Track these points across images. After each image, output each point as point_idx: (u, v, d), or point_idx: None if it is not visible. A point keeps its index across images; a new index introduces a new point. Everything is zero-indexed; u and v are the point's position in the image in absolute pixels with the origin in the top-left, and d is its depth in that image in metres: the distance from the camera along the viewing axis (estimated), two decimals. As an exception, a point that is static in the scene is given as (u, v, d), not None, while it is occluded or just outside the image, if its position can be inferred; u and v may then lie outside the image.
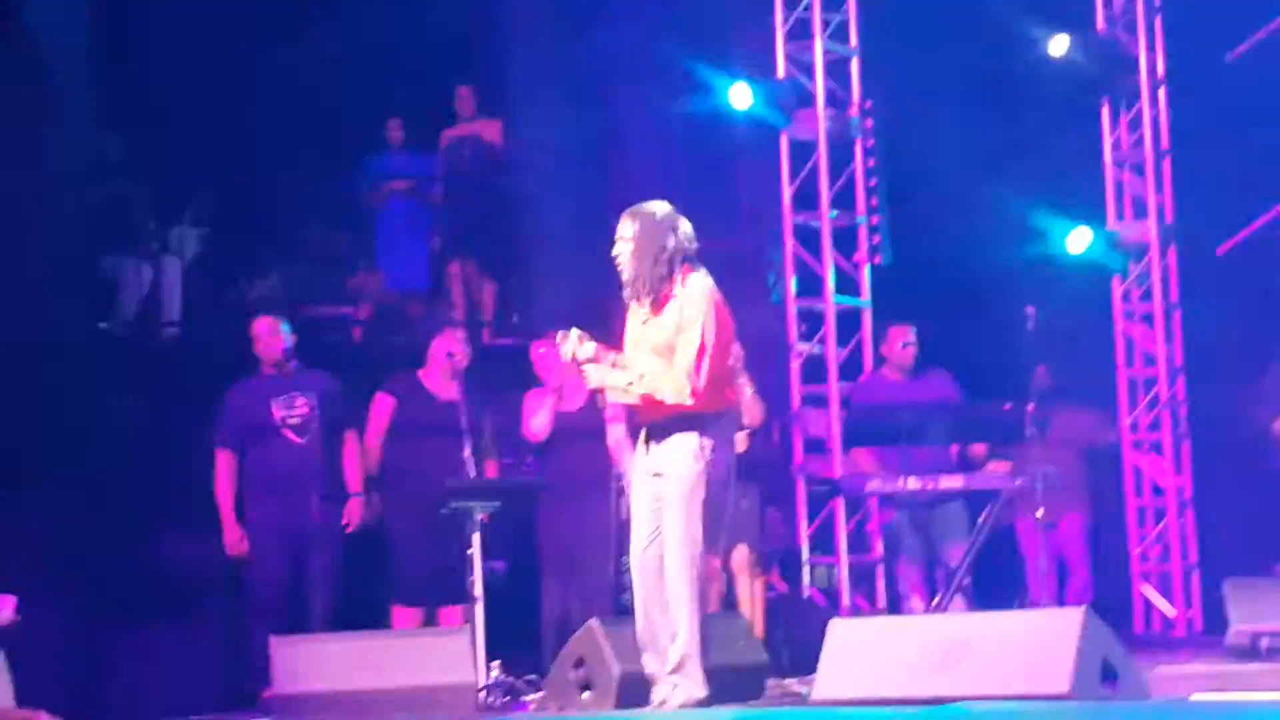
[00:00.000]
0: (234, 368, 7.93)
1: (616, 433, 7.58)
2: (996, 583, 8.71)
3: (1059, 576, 9.51)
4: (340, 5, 10.74)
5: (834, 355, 9.51)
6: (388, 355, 9.03)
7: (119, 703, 7.17)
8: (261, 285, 10.17)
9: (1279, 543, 8.52)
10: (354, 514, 7.68)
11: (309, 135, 10.30)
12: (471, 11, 10.58)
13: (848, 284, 9.71)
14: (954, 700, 5.11)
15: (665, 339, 5.85)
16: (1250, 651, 7.42)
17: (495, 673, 6.63)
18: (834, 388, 9.43)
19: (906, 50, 9.86)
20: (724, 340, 5.90)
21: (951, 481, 7.82)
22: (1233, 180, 10.09)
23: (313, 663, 6.56)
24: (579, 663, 6.25)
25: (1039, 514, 7.71)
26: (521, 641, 7.45)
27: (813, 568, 9.34)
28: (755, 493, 7.79)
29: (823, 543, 9.37)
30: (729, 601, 7.64)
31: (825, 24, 9.63)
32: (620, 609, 6.54)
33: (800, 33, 9.65)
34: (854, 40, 9.72)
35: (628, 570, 5.96)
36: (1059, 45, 10.00)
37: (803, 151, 9.66)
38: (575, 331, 5.95)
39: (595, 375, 5.96)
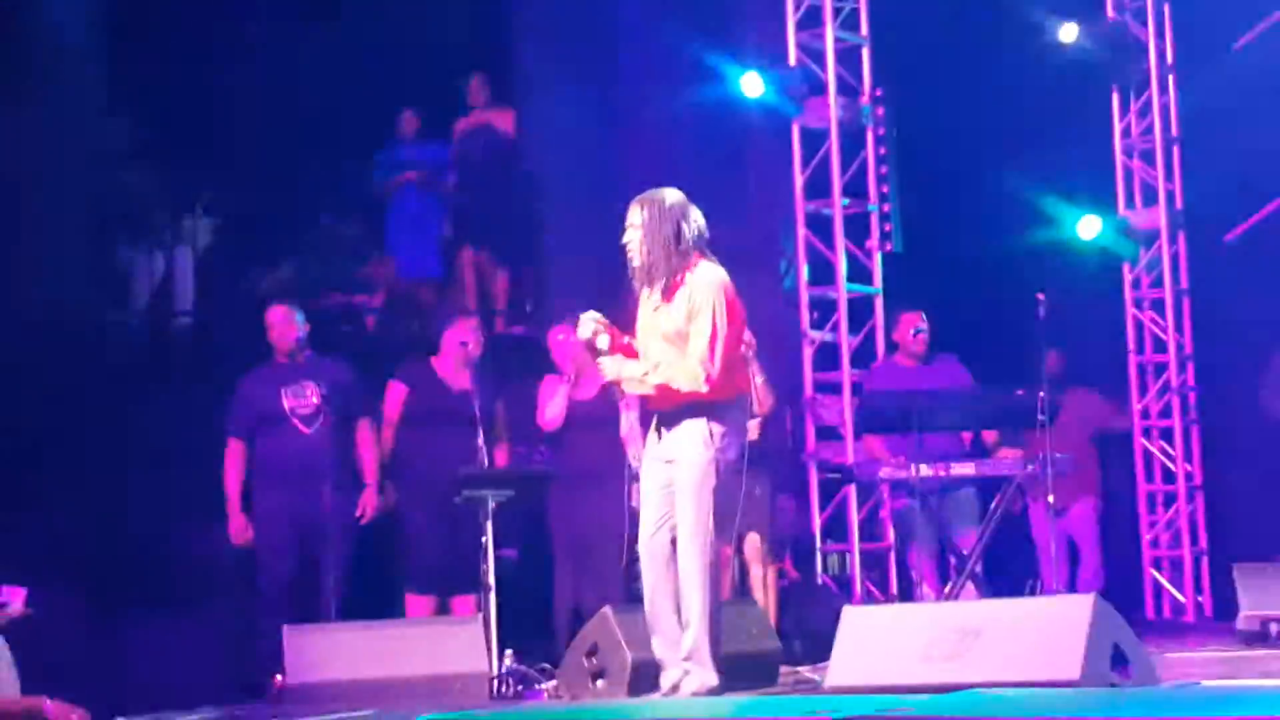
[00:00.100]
0: (246, 357, 7.94)
1: (629, 421, 7.59)
2: (1008, 569, 8.73)
3: (1070, 562, 9.53)
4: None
5: (846, 342, 9.52)
6: (400, 344, 9.06)
7: (129, 693, 7.17)
8: (274, 275, 10.18)
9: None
10: (368, 504, 7.70)
11: (322, 125, 10.32)
12: (485, 2, 10.58)
13: (859, 271, 9.72)
14: (966, 687, 5.12)
15: (676, 326, 5.86)
16: (1260, 637, 7.44)
17: (508, 661, 6.65)
18: (846, 375, 9.44)
19: (917, 38, 9.87)
20: (735, 327, 5.91)
21: (963, 468, 7.82)
22: (1241, 167, 10.09)
23: (325, 652, 6.57)
24: (592, 651, 6.27)
25: (1050, 500, 7.72)
26: (535, 630, 7.46)
27: (825, 555, 9.36)
28: (767, 480, 7.79)
29: (835, 530, 9.39)
30: (742, 589, 7.66)
31: (836, 12, 9.63)
32: (633, 597, 6.55)
33: (811, 21, 9.65)
34: (865, 28, 9.73)
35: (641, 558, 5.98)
36: (1069, 33, 10.00)
37: (814, 140, 9.66)
38: (592, 314, 5.97)
39: (611, 367, 5.99)
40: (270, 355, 7.81)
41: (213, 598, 8.00)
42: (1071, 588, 9.00)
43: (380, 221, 11.13)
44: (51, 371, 7.97)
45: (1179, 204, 10.42)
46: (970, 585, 7.73)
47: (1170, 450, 10.32)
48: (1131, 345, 10.46)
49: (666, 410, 5.90)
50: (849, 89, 9.70)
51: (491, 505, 6.78)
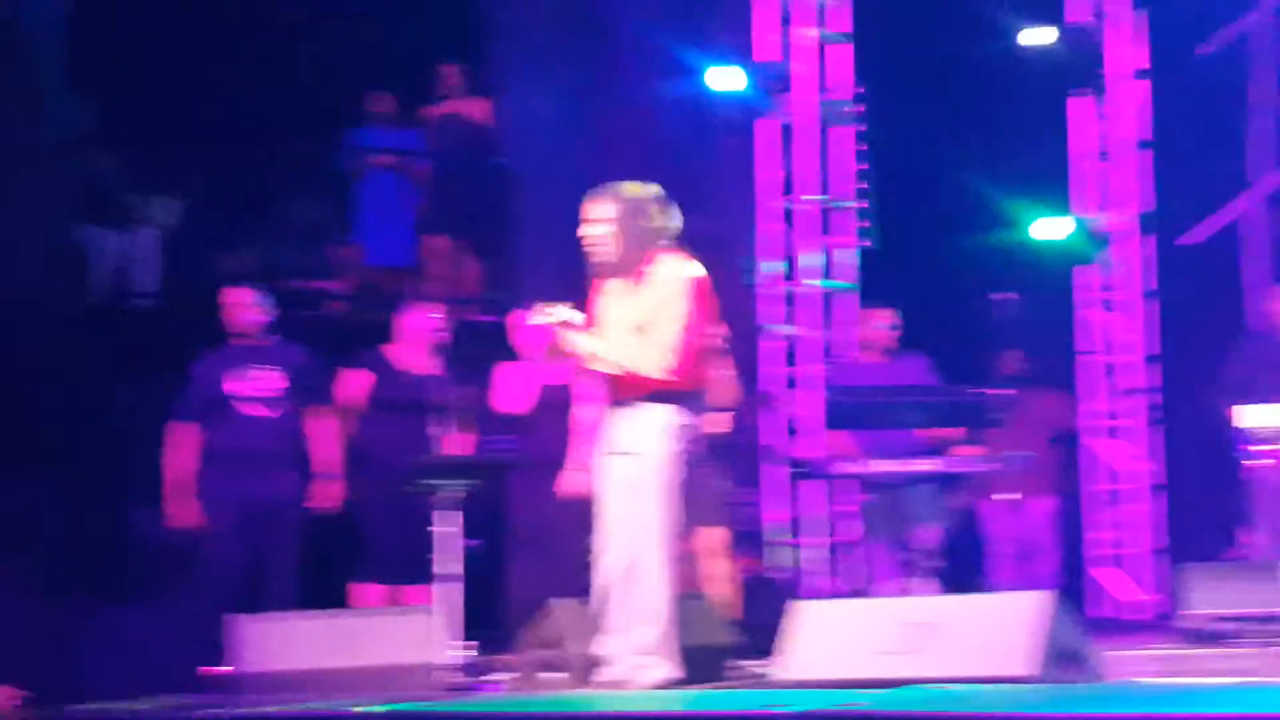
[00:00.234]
0: (210, 341, 7.89)
1: (588, 412, 7.60)
2: (965, 566, 8.77)
3: (1026, 560, 9.58)
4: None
5: (813, 338, 9.55)
6: (368, 330, 9.02)
7: (81, 681, 7.14)
8: (240, 257, 10.14)
9: (1238, 528, 8.60)
10: (327, 492, 7.67)
11: (293, 107, 10.27)
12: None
13: (829, 267, 9.76)
14: (918, 682, 5.15)
15: (643, 317, 5.87)
16: (1208, 635, 7.51)
17: (466, 652, 6.64)
18: (812, 370, 9.48)
19: (886, 37, 9.90)
20: (701, 319, 5.92)
21: (924, 464, 7.86)
22: (1204, 171, 10.16)
23: (275, 641, 6.55)
24: (546, 643, 6.27)
25: (1008, 498, 7.77)
26: (495, 621, 7.46)
27: (784, 549, 9.38)
28: (729, 474, 7.81)
29: (795, 524, 9.41)
30: (699, 583, 7.67)
31: (809, 8, 9.66)
32: (589, 589, 6.56)
33: (784, 16, 9.68)
34: (837, 25, 9.76)
35: (596, 550, 5.98)
36: (1035, 35, 10.06)
37: (785, 135, 9.69)
38: (562, 308, 5.97)
39: (575, 339, 5.96)
40: (230, 338, 7.76)
41: (167, 586, 7.95)
42: (1027, 586, 9.05)
43: (351, 207, 11.09)
44: (8, 354, 7.90)
45: (1143, 206, 10.47)
46: (928, 581, 7.77)
47: (1128, 450, 10.38)
48: (1094, 345, 10.51)
49: (627, 402, 5.90)
50: (821, 85, 9.73)
51: (449, 494, 6.77)
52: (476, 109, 10.78)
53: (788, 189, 9.77)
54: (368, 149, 10.99)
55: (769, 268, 9.82)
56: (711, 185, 10.17)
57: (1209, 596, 7.63)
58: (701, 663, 6.17)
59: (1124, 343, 10.42)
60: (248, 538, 7.47)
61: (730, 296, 9.42)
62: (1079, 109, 10.55)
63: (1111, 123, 10.50)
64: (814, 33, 9.79)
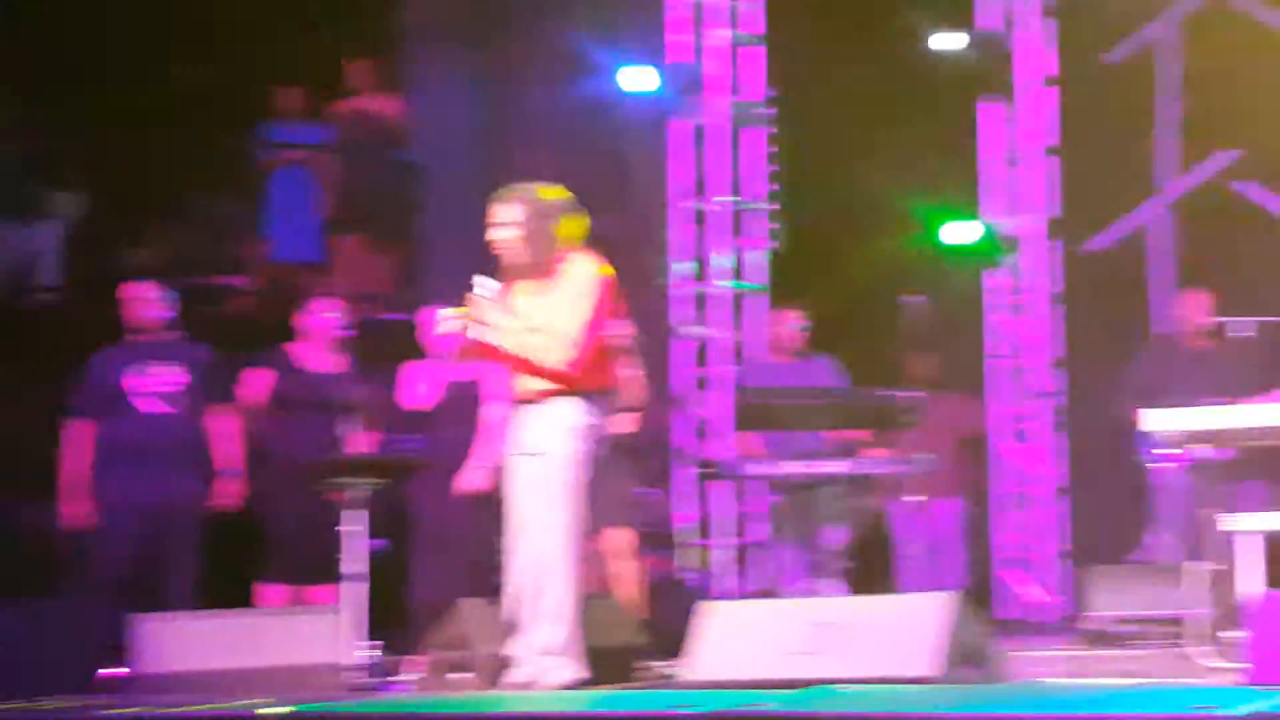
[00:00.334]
0: (113, 336, 7.77)
1: (494, 412, 7.56)
2: (873, 567, 8.81)
3: (934, 561, 9.64)
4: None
5: (723, 338, 9.57)
6: (274, 327, 8.92)
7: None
8: (144, 252, 10.01)
9: (1141, 531, 8.70)
10: (227, 490, 7.56)
11: (202, 101, 10.15)
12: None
13: (739, 268, 9.78)
14: (824, 683, 5.16)
15: (548, 316, 5.85)
16: (1108, 637, 7.61)
17: (371, 652, 6.59)
18: (719, 371, 9.49)
19: (798, 39, 9.93)
20: (609, 318, 5.92)
21: (832, 466, 7.89)
22: (1110, 178, 10.27)
23: (176, 641, 6.46)
24: (452, 643, 6.23)
25: (916, 499, 7.81)
26: (399, 621, 7.40)
27: (693, 550, 9.38)
28: (638, 474, 7.80)
29: (703, 525, 9.42)
30: (606, 584, 7.65)
31: (721, 10, 9.68)
32: (496, 589, 6.53)
33: (697, 17, 9.70)
34: (750, 27, 9.78)
35: (503, 550, 5.95)
36: (943, 40, 10.13)
37: (697, 136, 9.71)
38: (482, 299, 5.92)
39: (487, 311, 5.90)
40: (129, 333, 7.64)
41: (61, 585, 7.82)
42: (933, 587, 9.11)
43: (260, 202, 10.98)
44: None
45: (1050, 211, 10.57)
46: (834, 582, 7.80)
47: (1035, 453, 10.47)
48: (1000, 349, 10.59)
49: (534, 401, 5.88)
50: (732, 86, 9.75)
51: (357, 493, 6.72)
52: (386, 105, 10.71)
53: (699, 190, 9.78)
54: (277, 144, 10.89)
55: (680, 269, 9.83)
56: (623, 186, 10.17)
57: (1112, 598, 7.73)
58: (609, 663, 6.15)
59: (1031, 346, 10.51)
60: (145, 536, 7.36)
61: (641, 297, 9.43)
62: (988, 114, 10.63)
63: (1020, 128, 10.59)
64: (726, 34, 9.81)
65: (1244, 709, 3.90)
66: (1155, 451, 6.79)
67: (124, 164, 10.13)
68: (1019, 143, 10.57)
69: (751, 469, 8.07)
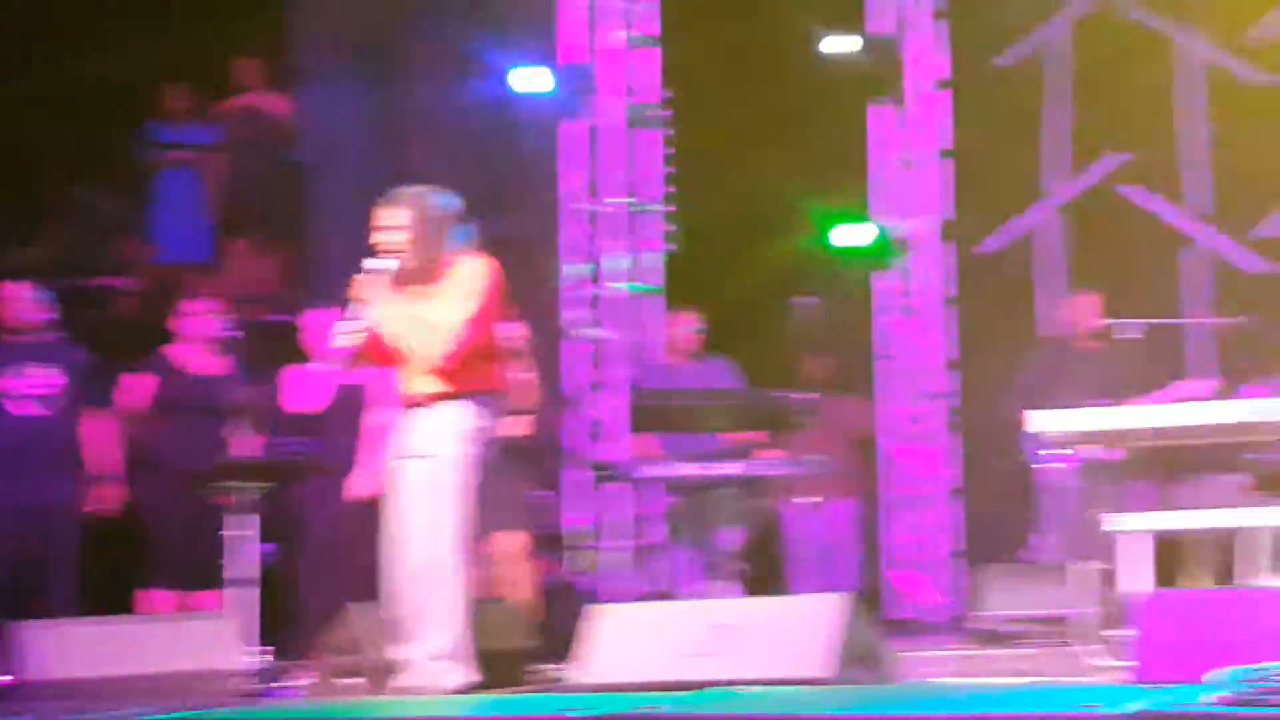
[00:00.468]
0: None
1: (381, 415, 7.51)
2: (768, 568, 8.83)
3: (827, 562, 9.68)
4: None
5: (618, 340, 9.56)
6: (160, 329, 8.79)
7: None
8: (24, 251, 9.83)
9: (1029, 531, 8.79)
10: (103, 495, 7.42)
11: (87, 98, 10.00)
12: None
13: (631, 270, 9.77)
14: (718, 684, 5.16)
15: (434, 314, 5.82)
16: (998, 636, 7.68)
17: (260, 657, 6.51)
18: (613, 373, 9.48)
19: (694, 40, 9.94)
20: (496, 318, 5.89)
21: (725, 468, 7.89)
22: (1001, 180, 10.37)
23: (58, 648, 6.34)
24: (342, 648, 6.17)
25: (810, 501, 7.84)
26: (288, 626, 7.32)
27: (585, 552, 9.36)
28: (530, 477, 7.77)
29: (598, 527, 9.40)
30: (498, 587, 7.61)
31: (616, 11, 9.67)
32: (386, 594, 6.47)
33: (590, 18, 9.67)
34: (644, 27, 9.78)
35: (390, 554, 5.90)
36: (835, 43, 10.18)
37: (590, 137, 9.69)
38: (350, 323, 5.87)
39: (374, 292, 5.85)
40: (5, 334, 7.49)
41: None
42: (827, 587, 9.14)
43: (144, 201, 10.82)
44: None
45: (943, 214, 10.65)
46: (729, 583, 7.80)
47: (928, 454, 10.54)
48: (894, 350, 10.66)
49: (422, 403, 5.84)
50: (628, 88, 9.74)
51: (243, 497, 6.63)
52: (274, 104, 10.59)
53: (593, 191, 9.75)
54: (163, 144, 10.74)
55: (574, 270, 9.80)
56: (516, 187, 10.13)
57: (1002, 598, 7.80)
58: (501, 667, 6.12)
59: (923, 348, 10.59)
60: (21, 541, 7.22)
61: (535, 299, 9.40)
62: (879, 117, 10.70)
63: (912, 131, 10.67)
64: (621, 35, 9.79)
65: (1130, 707, 3.94)
66: (1043, 452, 6.85)
67: (8, 163, 9.95)
68: (911, 145, 10.65)
69: (646, 471, 8.06)
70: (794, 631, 5.40)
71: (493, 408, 5.89)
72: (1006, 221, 10.49)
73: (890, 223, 10.64)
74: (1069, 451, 6.74)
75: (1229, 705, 3.83)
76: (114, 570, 7.50)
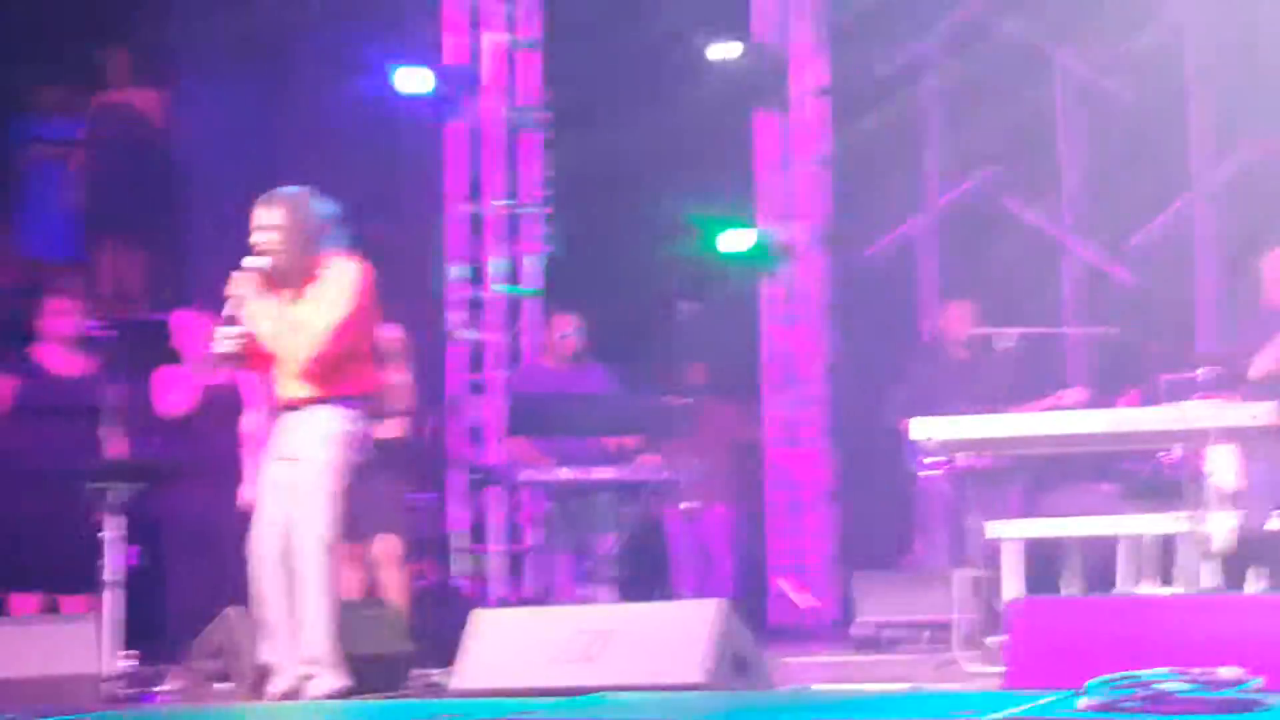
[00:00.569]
0: None
1: (253, 420, 7.42)
2: (644, 573, 8.82)
3: (704, 568, 9.70)
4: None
5: (495, 343, 9.51)
6: (22, 330, 8.60)
7: None
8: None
9: (909, 537, 8.86)
10: None
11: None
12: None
13: (512, 272, 9.73)
14: (593, 690, 5.14)
15: (306, 316, 5.75)
16: (874, 642, 7.73)
17: (126, 662, 6.39)
18: (494, 375, 9.44)
19: (577, 44, 9.92)
20: (368, 320, 5.84)
21: (602, 472, 7.88)
22: (882, 188, 10.45)
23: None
24: (215, 652, 6.07)
25: (685, 506, 7.84)
26: (158, 629, 7.19)
27: (464, 556, 9.31)
28: (405, 480, 7.70)
29: (475, 531, 9.35)
30: (374, 591, 7.54)
31: (498, 13, 9.63)
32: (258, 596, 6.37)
33: (473, 20, 9.63)
34: (527, 31, 9.75)
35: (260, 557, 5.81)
36: (720, 50, 10.22)
37: (472, 139, 9.64)
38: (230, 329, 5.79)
39: (247, 297, 5.79)
40: None
41: None
42: (703, 593, 9.15)
43: (10, 196, 10.58)
44: None
45: (820, 221, 10.72)
46: (606, 588, 7.79)
47: (804, 460, 10.61)
48: (771, 357, 10.71)
49: (294, 405, 5.77)
50: (508, 90, 9.70)
51: (111, 499, 6.50)
52: (144, 100, 10.40)
53: (475, 194, 9.70)
54: (29, 138, 10.52)
55: (455, 273, 9.74)
56: (397, 189, 10.05)
57: (881, 604, 7.85)
58: (377, 671, 6.06)
59: (804, 354, 10.65)
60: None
61: (415, 301, 9.33)
62: (764, 123, 10.75)
63: (794, 138, 10.73)
64: (503, 37, 9.75)
65: (998, 714, 3.97)
66: (922, 459, 6.90)
67: None
68: (793, 152, 10.71)
69: (524, 475, 8.03)
70: (670, 637, 5.39)
71: (366, 411, 5.84)
72: (886, 229, 10.58)
73: (773, 228, 10.70)
74: (945, 459, 6.80)
75: (1102, 712, 3.86)
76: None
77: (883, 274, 10.56)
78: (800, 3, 10.66)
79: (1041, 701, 4.13)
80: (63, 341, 7.38)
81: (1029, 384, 8.24)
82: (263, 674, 5.86)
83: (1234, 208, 9.73)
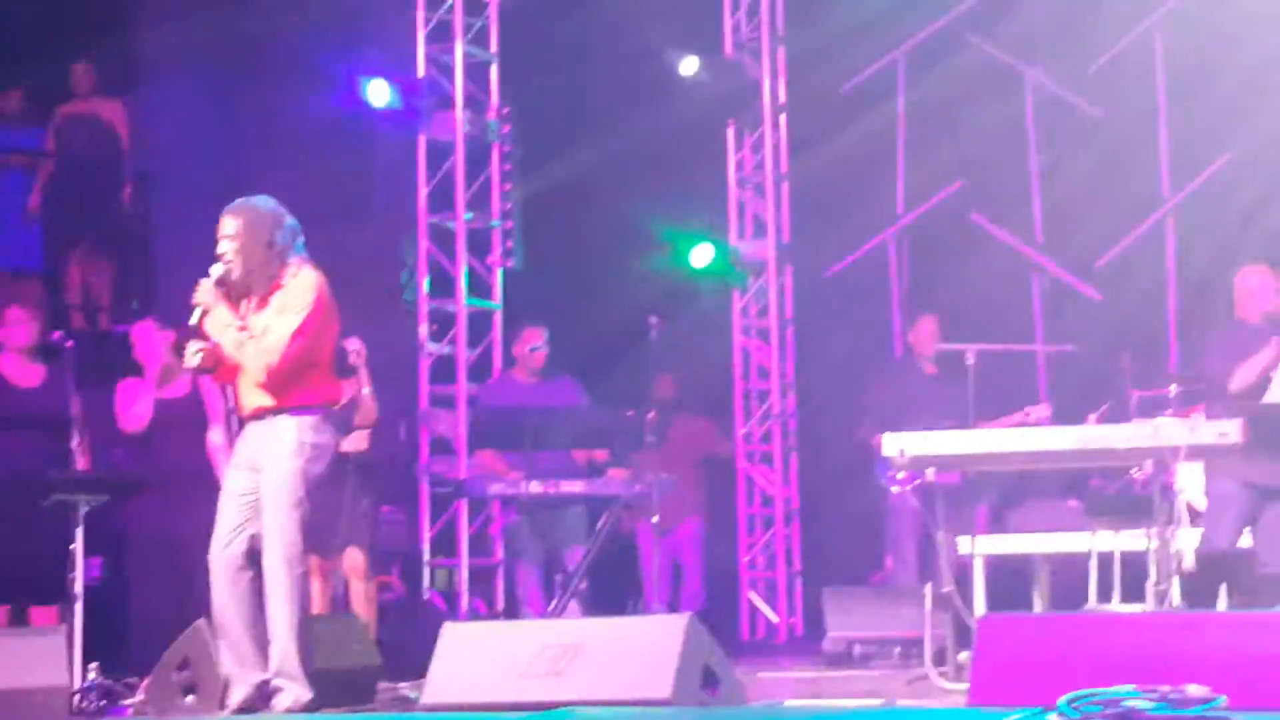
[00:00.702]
0: None
1: (217, 436, 7.39)
2: (613, 588, 8.81)
3: (673, 582, 9.69)
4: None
5: (464, 356, 9.49)
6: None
7: None
8: None
9: (879, 553, 8.86)
10: None
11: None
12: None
13: (480, 286, 9.71)
14: (562, 705, 5.12)
15: (265, 325, 5.74)
16: (844, 657, 7.73)
17: (92, 675, 6.34)
18: (462, 389, 9.41)
19: (548, 59, 9.92)
20: (328, 332, 5.83)
21: (572, 486, 7.86)
22: (848, 204, 10.48)
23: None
24: (183, 664, 6.03)
25: (654, 520, 7.83)
26: (120, 642, 7.14)
27: (433, 570, 9.28)
28: (373, 493, 7.67)
29: (444, 544, 9.32)
30: (340, 604, 7.50)
31: (467, 27, 9.62)
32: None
33: (441, 34, 9.62)
34: (494, 45, 9.74)
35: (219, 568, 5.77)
36: (689, 66, 10.25)
37: (440, 152, 9.62)
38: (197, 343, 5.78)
39: (209, 305, 5.77)
40: None
41: None
42: (673, 607, 9.15)
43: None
44: None
45: (786, 237, 10.75)
46: (574, 603, 7.77)
47: (771, 475, 10.62)
48: (738, 372, 10.73)
49: (256, 416, 5.75)
50: (476, 104, 9.69)
51: (71, 510, 6.45)
52: (109, 110, 10.35)
53: (442, 207, 9.67)
54: (-4, 149, 10.47)
55: (425, 286, 9.69)
56: (368, 201, 10.02)
57: (850, 619, 7.85)
58: (343, 685, 6.03)
59: (774, 369, 10.66)
60: None
61: (386, 314, 9.30)
62: (731, 140, 10.78)
63: (761, 154, 10.76)
64: (475, 52, 9.73)
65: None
66: (890, 474, 6.90)
67: None
68: (764, 168, 10.74)
69: (492, 488, 8.00)
70: (639, 652, 5.36)
71: (330, 422, 5.81)
72: (853, 245, 10.62)
73: (741, 244, 10.72)
74: (914, 474, 6.79)
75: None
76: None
77: (852, 289, 10.58)
78: (770, 20, 10.71)
79: (1011, 718, 4.12)
80: (21, 352, 7.32)
81: (997, 400, 8.26)
82: (223, 687, 5.82)
83: (1204, 225, 9.79)
